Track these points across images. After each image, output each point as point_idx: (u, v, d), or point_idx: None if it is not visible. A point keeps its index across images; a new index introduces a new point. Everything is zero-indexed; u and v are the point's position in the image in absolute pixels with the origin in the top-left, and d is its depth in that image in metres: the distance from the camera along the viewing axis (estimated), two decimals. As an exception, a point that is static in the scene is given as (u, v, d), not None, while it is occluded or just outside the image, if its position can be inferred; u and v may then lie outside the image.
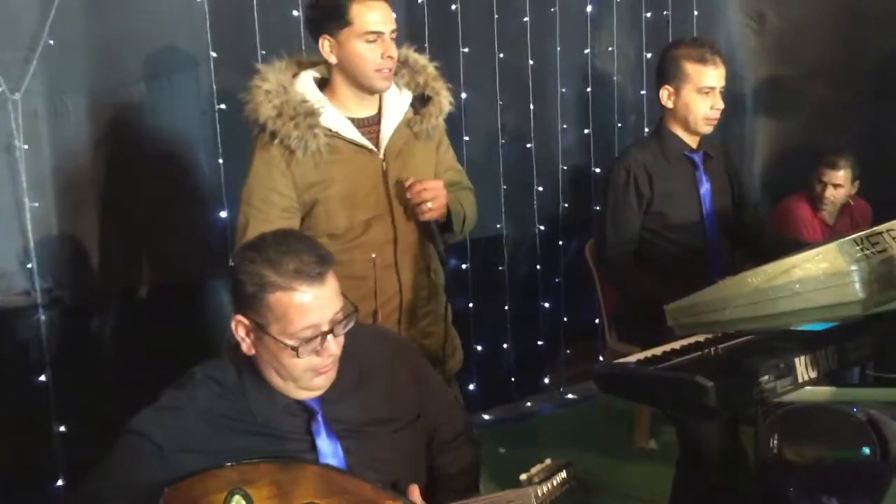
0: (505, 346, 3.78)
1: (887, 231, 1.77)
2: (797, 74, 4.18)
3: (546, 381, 3.95)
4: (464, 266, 3.61)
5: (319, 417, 1.60)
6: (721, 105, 2.59)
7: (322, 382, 1.59)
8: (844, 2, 4.04)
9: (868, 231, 1.78)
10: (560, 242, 3.92)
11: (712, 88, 2.57)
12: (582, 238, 3.66)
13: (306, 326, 1.49)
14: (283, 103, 2.07)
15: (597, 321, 3.75)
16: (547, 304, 3.91)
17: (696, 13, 4.09)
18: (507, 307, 3.77)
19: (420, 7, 3.37)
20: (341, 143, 2.14)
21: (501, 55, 3.62)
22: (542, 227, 3.86)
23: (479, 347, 3.66)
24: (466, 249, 3.59)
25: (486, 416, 3.73)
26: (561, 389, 3.97)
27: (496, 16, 3.56)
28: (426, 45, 3.33)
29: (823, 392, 2.11)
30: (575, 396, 3.95)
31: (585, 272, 3.48)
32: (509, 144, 3.73)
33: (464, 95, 3.44)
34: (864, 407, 2.19)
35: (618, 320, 3.16)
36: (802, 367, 1.88)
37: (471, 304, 3.61)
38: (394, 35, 2.13)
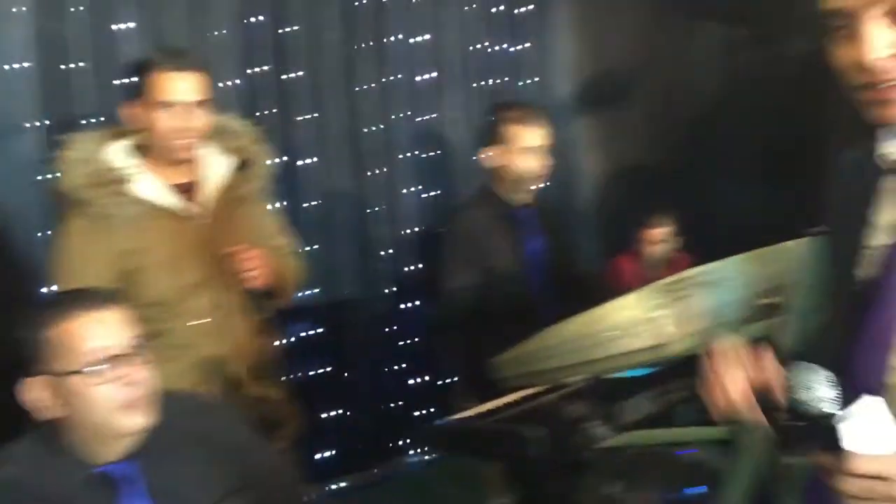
0: (355, 411, 3.73)
1: (690, 278, 1.89)
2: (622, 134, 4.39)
3: (399, 444, 3.92)
4: (311, 331, 3.56)
5: (131, 487, 1.51)
6: (546, 163, 2.71)
7: (140, 421, 1.50)
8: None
9: (675, 278, 1.90)
10: (408, 304, 3.94)
11: (536, 148, 2.69)
12: (429, 299, 3.69)
13: (95, 349, 1.44)
14: (92, 172, 2.05)
15: (447, 381, 3.76)
16: (397, 367, 3.90)
17: (536, 78, 4.28)
18: (356, 371, 3.74)
19: (262, 73, 3.38)
20: (157, 209, 2.11)
21: (347, 119, 3.67)
22: (390, 290, 3.88)
23: (329, 413, 3.60)
24: (314, 314, 3.56)
25: (340, 484, 3.65)
26: (413, 452, 3.94)
27: (342, 80, 3.62)
28: (269, 111, 3.35)
29: (649, 435, 2.20)
30: (428, 458, 3.93)
31: (433, 331, 3.50)
32: (355, 207, 3.76)
33: (308, 160, 3.45)
34: (688, 447, 2.30)
35: (464, 378, 3.19)
36: (627, 412, 1.96)
37: (320, 369, 3.55)
38: (200, 105, 2.13)
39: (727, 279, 1.84)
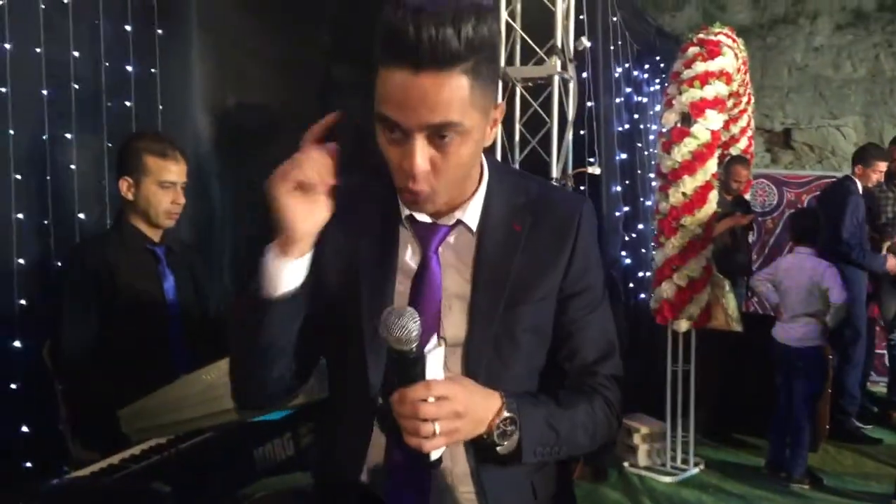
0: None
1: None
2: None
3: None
4: None
5: None
6: (182, 200, 2.60)
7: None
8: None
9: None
10: (16, 344, 3.50)
11: (173, 183, 2.57)
12: (41, 339, 3.31)
13: None
14: None
15: (60, 433, 3.39)
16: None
17: (160, 107, 4.09)
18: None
19: None
20: None
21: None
22: (-4, 327, 3.42)
23: None
24: None
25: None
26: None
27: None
28: None
29: (286, 480, 2.18)
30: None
31: (45, 376, 3.14)
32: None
33: None
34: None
35: (82, 427, 2.91)
36: (260, 457, 1.92)
37: None
38: None
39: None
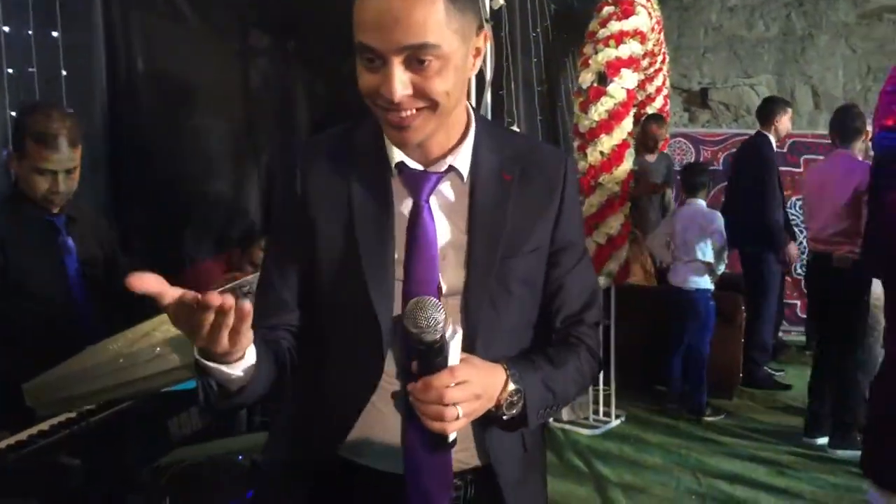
0: None
1: (240, 288, 1.90)
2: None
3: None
4: None
5: None
6: (62, 188, 2.42)
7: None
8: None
9: (223, 287, 1.89)
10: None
11: (53, 172, 2.42)
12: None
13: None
14: None
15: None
16: None
17: (63, 73, 3.93)
18: None
19: None
20: None
21: None
22: None
23: None
24: None
25: None
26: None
27: None
28: None
29: (205, 448, 2.17)
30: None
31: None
32: None
33: None
34: (248, 453, 2.32)
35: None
36: (175, 427, 1.90)
37: None
38: None
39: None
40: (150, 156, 4.18)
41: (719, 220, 4.81)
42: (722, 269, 4.85)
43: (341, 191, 1.28)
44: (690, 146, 7.63)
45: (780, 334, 6.48)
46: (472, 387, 1.14)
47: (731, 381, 5.23)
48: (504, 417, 1.23)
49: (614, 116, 4.43)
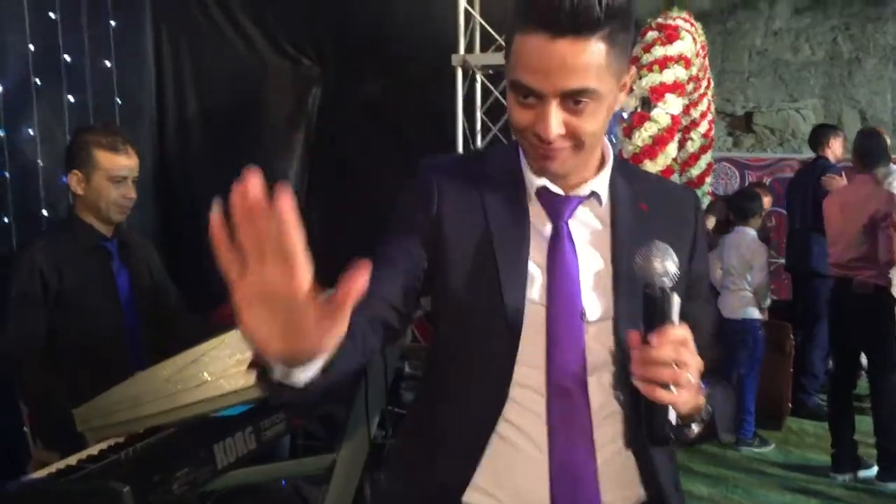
0: None
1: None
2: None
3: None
4: None
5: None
6: (132, 194, 2.55)
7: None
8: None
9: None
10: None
11: (124, 178, 2.53)
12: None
13: None
14: None
15: (26, 429, 3.35)
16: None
17: (118, 101, 4.02)
18: None
19: None
20: None
21: None
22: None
23: None
24: None
25: None
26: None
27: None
28: None
29: (250, 473, 2.17)
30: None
31: (3, 372, 3.09)
32: None
33: None
34: (292, 480, 2.32)
35: (42, 425, 2.87)
36: (221, 453, 1.90)
37: None
38: None
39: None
40: (196, 181, 4.26)
41: (764, 254, 4.73)
42: (767, 303, 4.77)
43: (477, 213, 1.25)
44: (735, 171, 7.54)
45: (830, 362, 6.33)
46: (697, 357, 1.07)
47: (781, 410, 5.11)
48: (693, 426, 1.16)
49: (658, 142, 4.40)
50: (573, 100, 1.13)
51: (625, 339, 1.17)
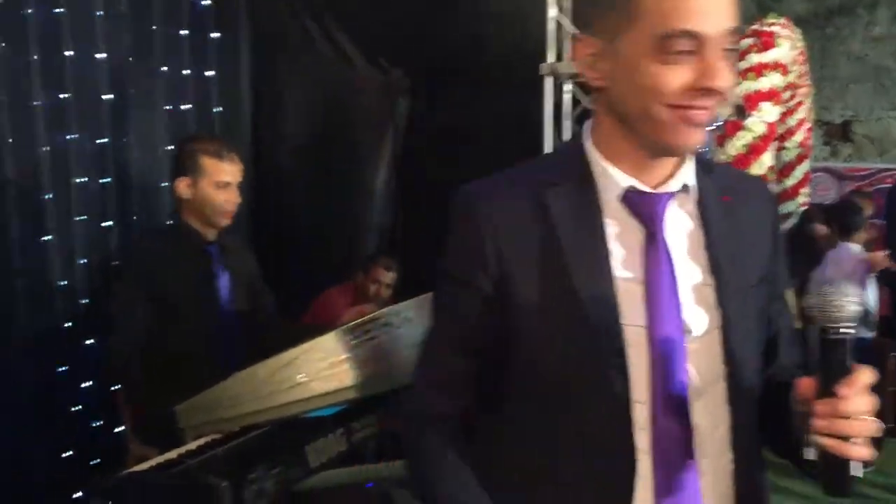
0: (26, 456, 3.33)
1: (377, 319, 1.94)
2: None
3: (79, 495, 3.56)
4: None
5: None
6: (237, 199, 2.66)
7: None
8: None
9: (362, 319, 1.94)
10: (86, 341, 3.62)
11: (228, 183, 2.63)
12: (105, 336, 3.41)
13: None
14: None
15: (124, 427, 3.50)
16: (74, 409, 3.56)
17: (217, 111, 4.18)
18: (30, 414, 3.34)
19: None
20: None
21: (11, 139, 3.29)
22: (65, 325, 3.53)
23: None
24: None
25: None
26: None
27: (2, 98, 3.24)
28: None
29: (339, 474, 2.22)
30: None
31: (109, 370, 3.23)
32: (22, 237, 3.37)
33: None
34: (379, 482, 2.36)
35: (141, 422, 2.99)
36: (313, 454, 1.95)
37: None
38: None
39: (410, 319, 1.92)
40: (287, 188, 4.38)
41: (867, 280, 4.47)
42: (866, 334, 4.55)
43: (540, 235, 1.10)
44: (833, 181, 7.29)
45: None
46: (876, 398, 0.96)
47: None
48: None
49: (753, 150, 4.30)
50: (730, 41, 1.02)
51: (738, 353, 1.09)
